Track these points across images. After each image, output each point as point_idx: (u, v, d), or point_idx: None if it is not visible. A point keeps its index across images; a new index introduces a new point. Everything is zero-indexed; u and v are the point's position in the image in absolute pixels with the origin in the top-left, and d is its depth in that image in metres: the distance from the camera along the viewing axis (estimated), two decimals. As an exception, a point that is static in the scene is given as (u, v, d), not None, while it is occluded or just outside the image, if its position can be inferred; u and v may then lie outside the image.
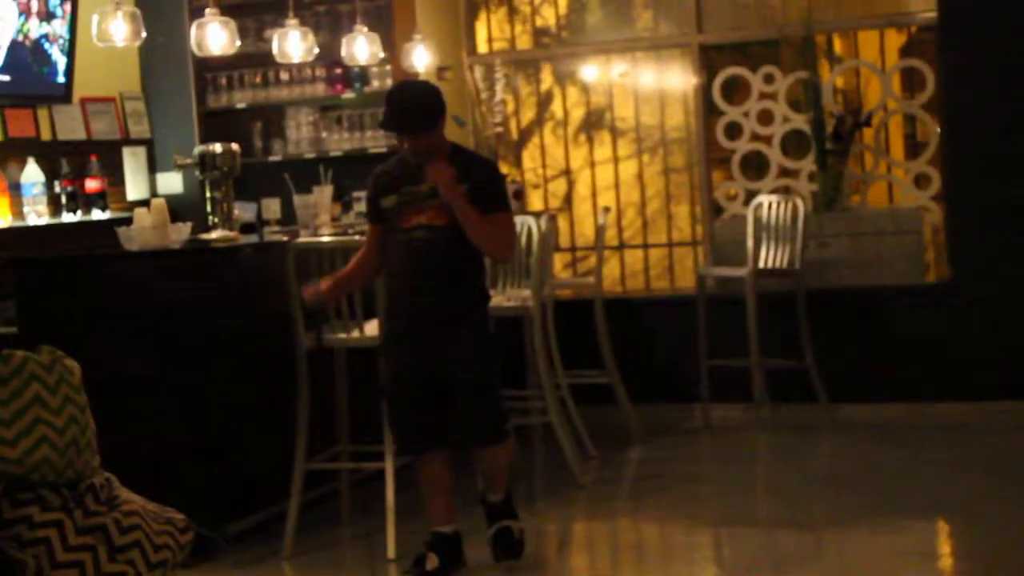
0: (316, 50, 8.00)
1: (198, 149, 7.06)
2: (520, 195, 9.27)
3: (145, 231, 6.58)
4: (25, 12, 8.46)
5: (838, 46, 10.34)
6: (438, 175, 5.56)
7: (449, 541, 5.80)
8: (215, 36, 7.19)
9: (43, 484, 3.87)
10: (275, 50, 7.89)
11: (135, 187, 9.47)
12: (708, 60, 9.36)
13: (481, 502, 5.97)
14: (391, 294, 5.79)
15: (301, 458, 6.25)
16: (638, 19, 9.81)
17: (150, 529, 4.01)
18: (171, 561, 4.04)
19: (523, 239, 7.54)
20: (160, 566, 3.99)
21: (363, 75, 9.23)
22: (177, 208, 8.78)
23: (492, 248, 5.71)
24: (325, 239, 6.60)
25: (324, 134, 9.46)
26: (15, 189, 8.44)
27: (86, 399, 4.09)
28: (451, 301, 5.67)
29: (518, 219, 7.61)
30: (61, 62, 8.72)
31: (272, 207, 8.57)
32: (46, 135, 8.88)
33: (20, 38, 8.44)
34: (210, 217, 7.01)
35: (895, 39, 9.42)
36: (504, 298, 7.33)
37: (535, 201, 9.82)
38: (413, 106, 5.62)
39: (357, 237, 6.36)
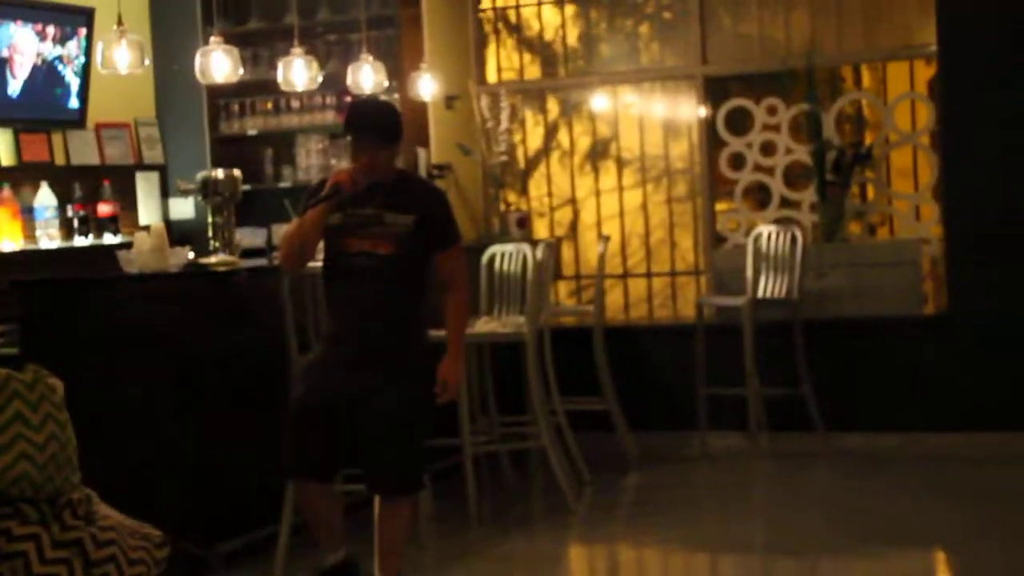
0: (320, 78, 8.12)
1: (200, 175, 7.20)
2: (524, 223, 9.39)
3: (144, 255, 6.71)
4: (41, 35, 8.63)
5: (865, 76, 10.40)
6: (448, 387, 5.41)
7: (340, 570, 5.54)
8: (219, 64, 7.34)
9: (22, 499, 3.98)
10: (280, 78, 8.01)
11: (147, 212, 9.61)
12: (713, 91, 9.47)
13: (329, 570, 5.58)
14: (331, 319, 5.52)
15: (293, 479, 6.33)
16: (644, 51, 9.92)
17: (126, 544, 4.11)
18: (147, 575, 4.14)
19: (519, 266, 7.64)
20: (135, 580, 4.10)
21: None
22: (189, 233, 8.96)
23: (465, 309, 5.60)
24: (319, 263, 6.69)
25: (333, 161, 9.59)
26: (28, 213, 8.60)
27: (67, 416, 4.20)
28: (389, 335, 5.35)
29: (519, 246, 7.76)
30: (75, 85, 8.89)
31: (281, 232, 8.67)
32: (60, 160, 9.04)
33: (36, 61, 8.62)
34: (211, 242, 7.14)
35: (919, 71, 9.48)
36: (499, 324, 7.43)
37: (541, 229, 9.93)
38: (387, 116, 5.46)
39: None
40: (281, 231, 8.27)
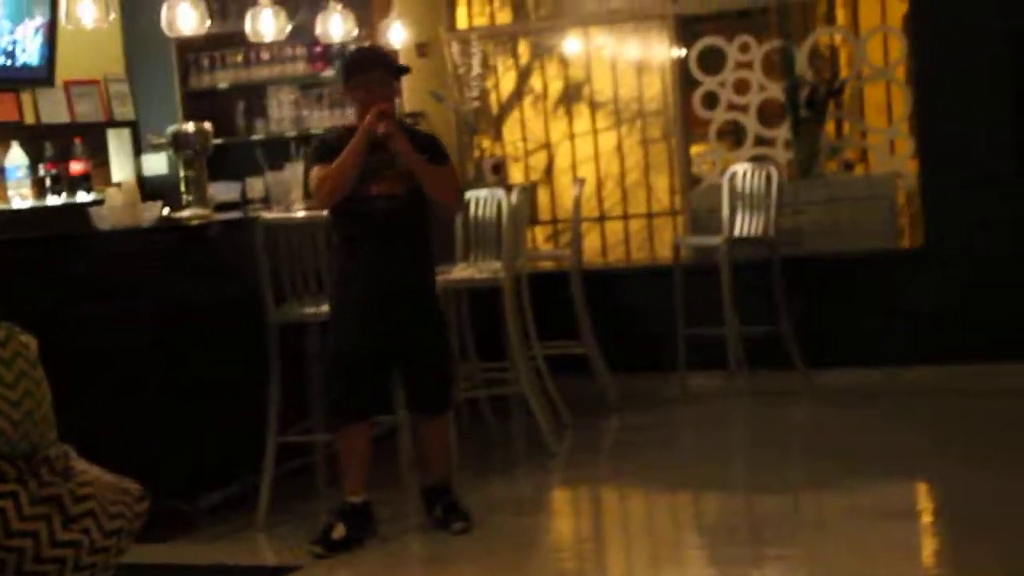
0: (289, 28, 8.07)
1: (171, 129, 7.15)
2: (500, 168, 9.34)
3: (116, 211, 6.66)
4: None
5: (838, 11, 10.35)
6: (396, 139, 5.67)
7: (359, 511, 5.90)
8: (186, 16, 7.28)
9: (-1, 456, 3.97)
10: (248, 29, 7.94)
11: (120, 169, 9.55)
12: (684, 31, 9.42)
13: (422, 492, 6.12)
14: (349, 262, 5.85)
15: (273, 431, 6.33)
16: (615, -9, 9.86)
17: (105, 499, 4.10)
18: (126, 529, 4.13)
19: (495, 212, 7.61)
20: (115, 534, 4.08)
21: (343, 53, 9.29)
22: (162, 188, 8.89)
23: (441, 192, 5.81)
24: (295, 215, 6.67)
25: (305, 112, 9.55)
26: (-1, 172, 8.56)
27: (42, 373, 4.18)
28: (410, 270, 5.84)
29: (493, 191, 7.73)
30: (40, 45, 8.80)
31: (256, 186, 8.65)
32: (30, 118, 8.97)
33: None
34: (184, 196, 7.10)
35: (892, 4, 9.43)
36: (476, 270, 7.41)
37: (515, 174, 9.90)
38: (388, 55, 6.01)
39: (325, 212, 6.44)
40: (256, 185, 8.29)
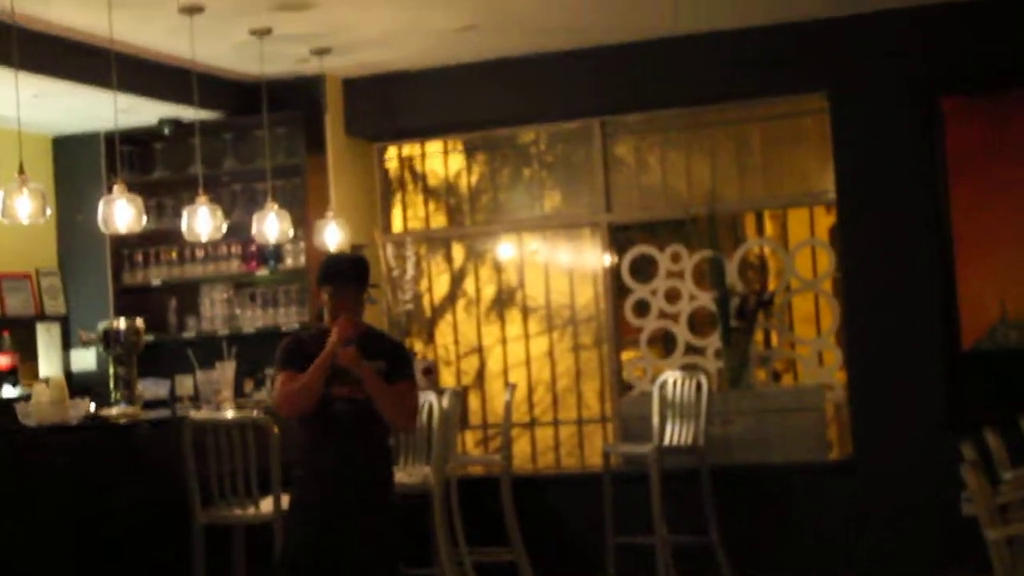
0: (225, 227, 8.06)
1: (102, 325, 7.13)
2: (431, 372, 9.35)
3: (43, 407, 6.60)
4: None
5: (767, 224, 10.51)
6: (345, 356, 5.66)
7: None
8: (122, 213, 7.24)
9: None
10: (184, 227, 7.94)
11: (48, 364, 9.46)
12: (617, 239, 9.56)
13: None
14: (309, 463, 5.77)
15: (195, 636, 6.22)
16: (549, 199, 10.01)
17: None
18: None
19: (426, 416, 7.59)
20: None
21: (277, 252, 9.34)
22: (91, 384, 8.81)
23: (397, 415, 5.79)
24: (224, 415, 6.64)
25: (238, 311, 9.52)
26: (-76, 365, 8.45)
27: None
28: (367, 474, 5.75)
29: (424, 395, 7.71)
30: (-26, 238, 8.80)
31: (186, 383, 8.60)
32: (-42, 311, 8.92)
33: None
34: (113, 393, 7.05)
35: (819, 218, 9.61)
36: (406, 474, 7.36)
37: (447, 378, 9.91)
38: (357, 261, 5.95)
39: (255, 413, 6.42)
40: (186, 383, 8.24)
